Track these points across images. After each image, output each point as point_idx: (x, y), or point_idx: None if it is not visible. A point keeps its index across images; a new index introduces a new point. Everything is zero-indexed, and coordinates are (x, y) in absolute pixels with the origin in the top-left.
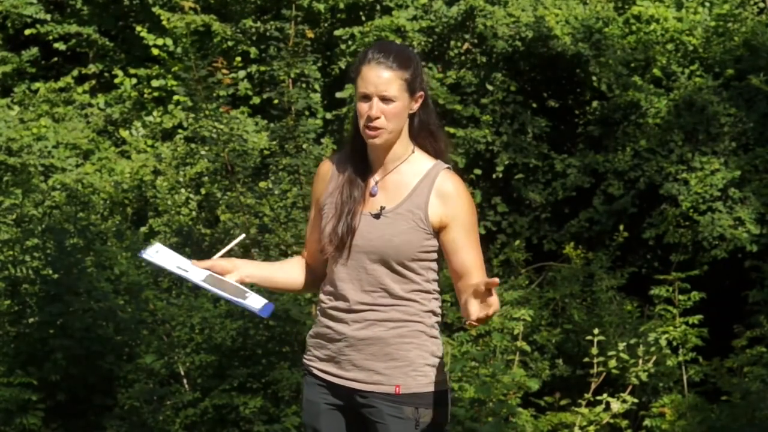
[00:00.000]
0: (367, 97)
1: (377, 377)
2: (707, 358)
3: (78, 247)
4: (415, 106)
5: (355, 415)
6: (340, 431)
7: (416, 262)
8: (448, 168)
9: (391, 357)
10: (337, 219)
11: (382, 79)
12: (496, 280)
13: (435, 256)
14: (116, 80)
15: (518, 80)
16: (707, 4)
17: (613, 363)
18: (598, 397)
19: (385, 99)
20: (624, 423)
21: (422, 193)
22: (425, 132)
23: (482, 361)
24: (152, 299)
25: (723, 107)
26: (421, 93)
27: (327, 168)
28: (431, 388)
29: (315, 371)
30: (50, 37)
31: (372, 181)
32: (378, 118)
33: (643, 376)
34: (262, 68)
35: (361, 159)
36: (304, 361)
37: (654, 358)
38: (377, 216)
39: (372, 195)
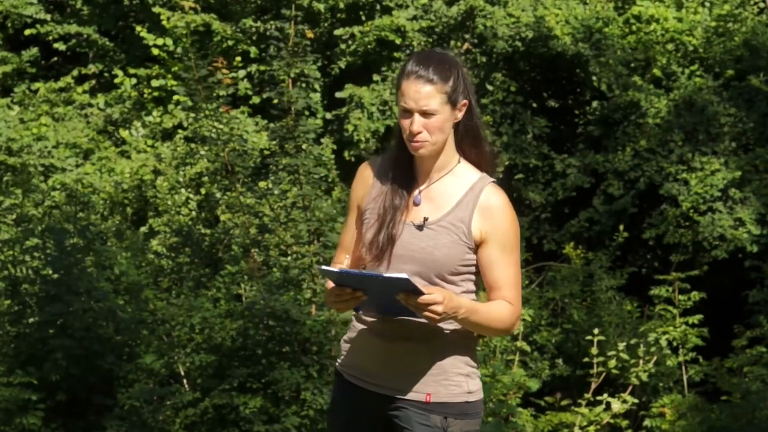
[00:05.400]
0: (408, 112)
1: (409, 384)
2: (707, 358)
3: (78, 247)
4: (459, 115)
5: (383, 421)
6: None
7: (456, 276)
8: (493, 182)
9: (425, 365)
10: (378, 228)
11: (421, 93)
12: (426, 297)
13: (474, 269)
14: (116, 80)
15: (518, 80)
16: (707, 4)
17: (613, 363)
18: (598, 397)
19: (426, 113)
20: (624, 423)
21: (467, 206)
22: (469, 139)
23: (482, 361)
24: (152, 299)
25: (723, 107)
26: (465, 101)
27: (369, 171)
28: (463, 399)
29: (346, 376)
30: (50, 37)
31: (416, 190)
32: (420, 132)
33: (643, 376)
34: (262, 68)
35: (405, 167)
36: (336, 365)
37: (654, 358)
38: (420, 227)
39: (415, 204)
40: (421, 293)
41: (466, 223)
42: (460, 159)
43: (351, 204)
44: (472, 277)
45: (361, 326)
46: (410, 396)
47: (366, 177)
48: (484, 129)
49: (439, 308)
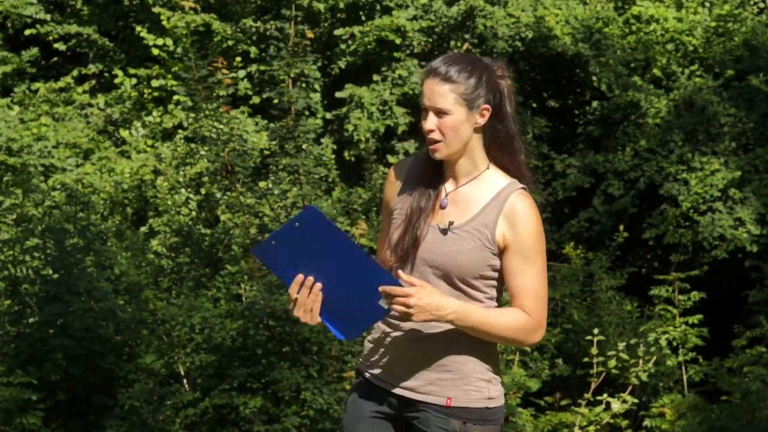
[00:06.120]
0: (425, 110)
1: (430, 387)
2: (707, 358)
3: (78, 247)
4: (480, 120)
5: (401, 424)
6: None
7: (480, 280)
8: (522, 189)
9: (446, 369)
10: (404, 230)
11: (435, 91)
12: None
13: (498, 275)
14: (116, 80)
15: (518, 80)
16: (707, 4)
17: (612, 363)
18: (598, 397)
19: (439, 112)
20: (624, 423)
21: (492, 212)
22: (497, 146)
23: None
24: (152, 299)
25: (723, 107)
26: (487, 106)
27: (397, 173)
28: (483, 404)
29: (368, 376)
30: (50, 37)
31: (443, 194)
32: (432, 131)
33: (643, 376)
34: (262, 68)
35: (435, 169)
36: (358, 365)
37: (654, 358)
38: (445, 231)
39: (442, 207)
40: (377, 268)
41: (490, 229)
42: (489, 165)
43: (383, 206)
44: (497, 282)
45: (384, 327)
46: (431, 399)
47: (394, 178)
48: (519, 137)
49: (410, 300)
